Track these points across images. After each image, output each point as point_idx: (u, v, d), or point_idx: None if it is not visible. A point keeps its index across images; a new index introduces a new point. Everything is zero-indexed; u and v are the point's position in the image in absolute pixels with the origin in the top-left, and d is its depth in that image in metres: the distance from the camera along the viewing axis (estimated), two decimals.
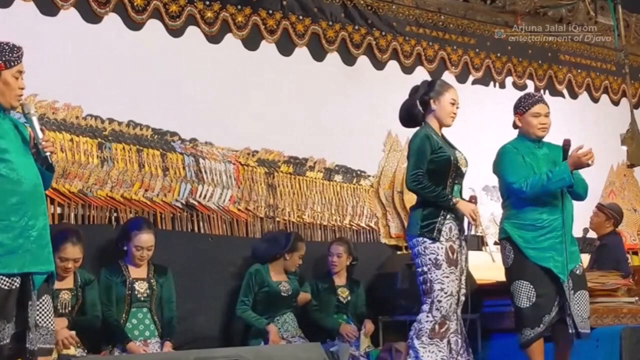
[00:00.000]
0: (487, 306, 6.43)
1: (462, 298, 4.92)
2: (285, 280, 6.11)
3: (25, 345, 3.66)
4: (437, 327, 4.76)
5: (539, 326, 5.06)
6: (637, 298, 6.27)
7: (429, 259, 4.77)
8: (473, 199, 4.96)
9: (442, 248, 4.78)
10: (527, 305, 5.09)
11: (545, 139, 5.30)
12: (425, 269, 4.78)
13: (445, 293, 4.75)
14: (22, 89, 3.77)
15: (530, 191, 5.06)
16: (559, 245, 5.06)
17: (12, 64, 3.71)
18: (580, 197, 5.26)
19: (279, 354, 4.95)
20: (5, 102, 3.74)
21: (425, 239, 4.78)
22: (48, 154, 3.79)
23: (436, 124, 4.98)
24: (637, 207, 9.15)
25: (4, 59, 3.69)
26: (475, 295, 6.49)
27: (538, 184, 5.04)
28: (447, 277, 4.77)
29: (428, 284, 4.77)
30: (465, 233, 4.95)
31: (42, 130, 3.82)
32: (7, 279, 3.61)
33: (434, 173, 4.85)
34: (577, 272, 5.12)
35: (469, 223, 4.93)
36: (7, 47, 3.72)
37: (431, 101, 4.96)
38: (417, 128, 5.01)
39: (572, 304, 5.03)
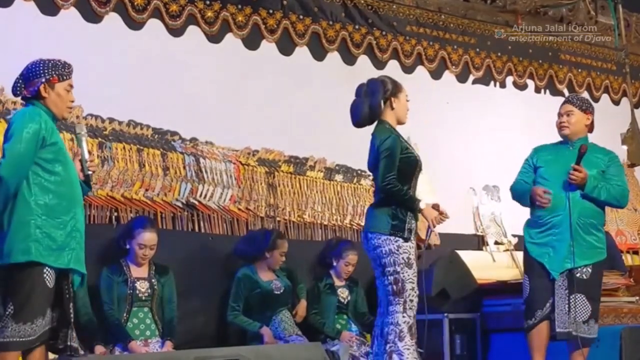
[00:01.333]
0: (487, 306, 6.43)
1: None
2: (275, 279, 6.11)
3: (67, 343, 4.00)
4: (412, 327, 4.74)
5: (531, 319, 5.11)
6: (637, 298, 6.26)
7: (402, 258, 4.72)
8: (436, 206, 4.96)
9: (412, 247, 4.78)
10: (525, 297, 5.19)
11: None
12: (397, 268, 4.72)
13: (415, 292, 4.75)
14: (72, 101, 4.15)
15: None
16: (557, 242, 5.08)
17: (65, 77, 4.08)
18: (605, 203, 5.18)
19: (279, 354, 4.95)
20: (58, 113, 4.08)
21: (397, 238, 4.73)
22: (91, 172, 4.17)
23: (394, 122, 4.94)
24: (637, 207, 9.15)
25: (57, 72, 4.04)
26: (475, 295, 6.53)
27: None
28: (416, 276, 4.77)
29: (400, 284, 4.71)
30: (425, 238, 4.99)
31: (89, 151, 4.24)
32: (51, 277, 3.88)
33: (400, 173, 4.82)
34: (579, 275, 5.06)
35: (429, 229, 4.97)
36: (59, 63, 4.08)
37: (393, 99, 4.92)
38: (374, 125, 4.96)
39: (560, 304, 5.06)
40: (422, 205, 4.82)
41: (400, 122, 4.96)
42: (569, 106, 5.25)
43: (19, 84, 4.06)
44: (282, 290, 6.08)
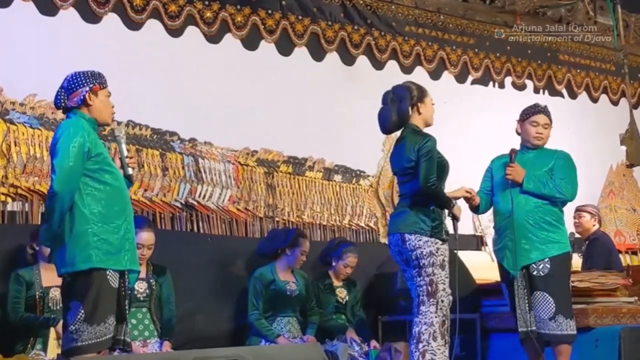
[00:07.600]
0: (487, 306, 6.43)
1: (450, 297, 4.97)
2: (292, 281, 6.10)
3: (118, 337, 4.17)
4: (442, 327, 4.78)
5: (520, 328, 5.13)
6: (636, 298, 6.26)
7: (440, 259, 4.79)
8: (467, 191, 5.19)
9: (447, 249, 4.84)
10: (510, 305, 5.22)
11: (547, 145, 5.34)
12: (435, 270, 4.78)
13: (446, 293, 4.81)
14: (113, 107, 4.33)
15: None
16: (510, 242, 5.12)
17: (104, 85, 4.28)
18: (549, 197, 5.12)
19: (279, 354, 4.95)
20: (102, 119, 4.28)
21: (437, 240, 4.78)
22: (131, 171, 4.35)
23: (422, 126, 4.99)
24: (636, 207, 9.15)
25: (98, 81, 4.25)
26: (475, 295, 6.52)
27: None
28: (447, 277, 4.82)
29: (434, 286, 4.77)
30: (454, 233, 5.01)
31: (127, 150, 4.42)
32: (114, 278, 4.09)
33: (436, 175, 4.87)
34: (535, 272, 5.06)
35: (455, 224, 5.04)
36: (96, 73, 4.28)
37: (419, 104, 4.96)
38: (401, 130, 4.98)
39: (521, 304, 5.08)
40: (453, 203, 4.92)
41: (427, 125, 5.02)
42: (546, 119, 5.32)
43: (61, 96, 4.22)
44: (295, 294, 6.07)
